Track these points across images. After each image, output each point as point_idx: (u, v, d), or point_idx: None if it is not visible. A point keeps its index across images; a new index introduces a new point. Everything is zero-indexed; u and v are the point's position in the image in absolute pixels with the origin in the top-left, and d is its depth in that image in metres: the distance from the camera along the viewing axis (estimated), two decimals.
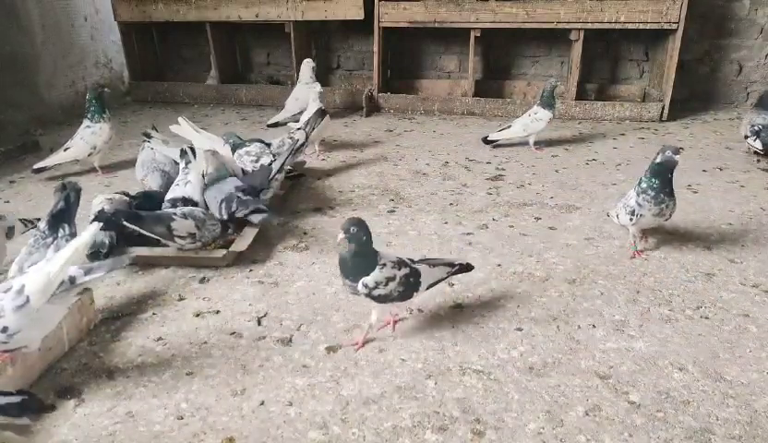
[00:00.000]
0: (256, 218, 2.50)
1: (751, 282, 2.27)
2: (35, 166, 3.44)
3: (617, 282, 2.27)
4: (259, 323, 2.03)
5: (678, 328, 1.98)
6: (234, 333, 1.98)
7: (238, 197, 2.54)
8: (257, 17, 5.14)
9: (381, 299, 1.85)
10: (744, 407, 1.62)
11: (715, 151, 3.92)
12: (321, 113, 3.75)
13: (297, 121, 3.91)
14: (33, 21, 4.61)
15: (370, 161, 3.78)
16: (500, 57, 5.44)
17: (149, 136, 3.26)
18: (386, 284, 1.83)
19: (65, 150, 3.49)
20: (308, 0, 4.98)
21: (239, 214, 2.50)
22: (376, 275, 1.82)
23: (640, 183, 2.39)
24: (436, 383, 1.72)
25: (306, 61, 4.69)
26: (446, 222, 2.83)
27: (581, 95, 5.00)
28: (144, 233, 2.30)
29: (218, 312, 2.10)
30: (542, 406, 1.63)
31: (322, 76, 5.77)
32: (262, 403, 1.65)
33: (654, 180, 2.35)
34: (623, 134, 4.39)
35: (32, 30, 4.60)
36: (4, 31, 4.33)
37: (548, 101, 3.88)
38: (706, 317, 2.04)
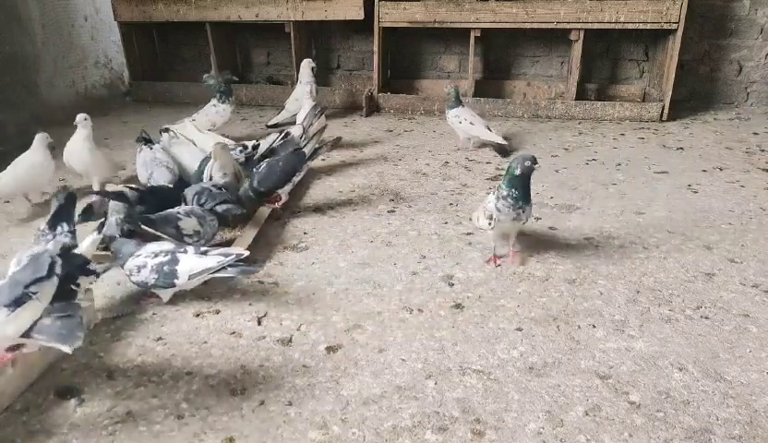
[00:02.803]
0: (221, 208, 2.58)
1: (751, 282, 2.27)
2: (163, 127, 3.53)
3: (617, 282, 2.27)
4: (259, 323, 2.03)
5: (678, 328, 1.98)
6: (234, 333, 1.98)
7: (209, 190, 2.62)
8: (257, 17, 5.14)
9: (143, 286, 2.07)
10: (744, 407, 1.62)
11: (715, 151, 3.92)
12: (320, 109, 3.74)
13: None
14: (33, 21, 4.60)
15: (370, 161, 3.78)
16: (500, 57, 5.44)
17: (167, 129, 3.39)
18: (138, 272, 2.04)
19: (191, 121, 3.85)
20: (308, 0, 4.98)
21: (207, 206, 2.57)
22: (129, 264, 2.07)
23: (499, 189, 2.28)
24: (436, 383, 1.72)
25: (305, 61, 4.69)
26: (446, 222, 2.83)
27: (581, 95, 4.99)
28: (159, 234, 2.33)
29: (218, 312, 2.10)
30: (542, 406, 1.63)
31: (322, 76, 5.79)
32: (262, 403, 1.65)
33: (513, 189, 2.23)
34: (623, 134, 4.39)
35: (32, 30, 4.60)
36: (4, 31, 4.33)
37: (454, 102, 3.94)
38: (706, 317, 2.04)
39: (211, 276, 2.02)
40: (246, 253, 2.05)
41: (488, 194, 2.41)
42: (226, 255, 2.03)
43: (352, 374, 1.77)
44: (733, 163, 3.66)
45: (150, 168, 3.03)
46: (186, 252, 2.06)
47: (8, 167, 3.04)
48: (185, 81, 5.75)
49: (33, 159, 3.12)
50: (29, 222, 2.94)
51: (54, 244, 1.98)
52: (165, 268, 2.01)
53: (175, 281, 2.01)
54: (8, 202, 3.21)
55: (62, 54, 4.95)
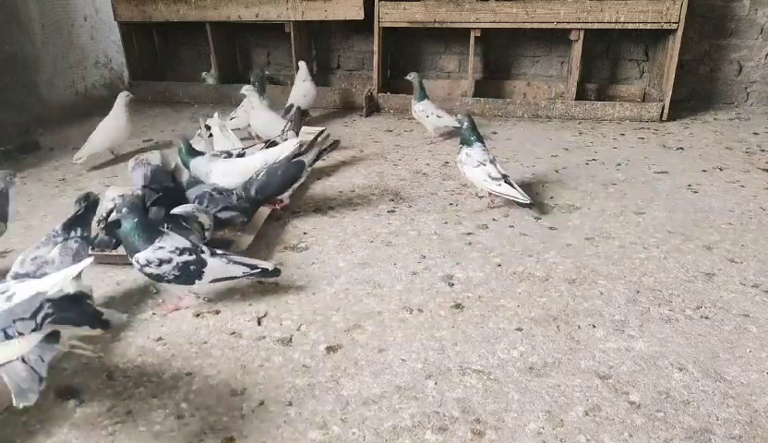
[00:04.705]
0: (223, 214, 2.56)
1: (751, 282, 2.27)
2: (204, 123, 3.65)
3: (617, 282, 2.27)
4: (259, 323, 2.03)
5: (678, 328, 1.98)
6: (234, 333, 1.98)
7: (210, 194, 2.61)
8: (257, 17, 5.13)
9: (155, 278, 2.00)
10: (744, 407, 1.62)
11: (715, 151, 3.92)
12: (303, 113, 3.71)
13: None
14: (33, 21, 4.60)
15: (370, 161, 3.78)
16: (500, 57, 5.45)
17: (208, 127, 3.50)
18: (159, 265, 1.97)
19: (230, 119, 4.12)
20: (308, 0, 4.98)
21: (210, 211, 2.55)
22: (147, 254, 1.96)
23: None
24: (436, 383, 1.72)
25: (301, 63, 4.68)
26: (446, 222, 2.83)
27: (581, 95, 4.99)
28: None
29: (218, 312, 2.10)
30: (542, 406, 1.63)
31: (322, 76, 5.79)
32: (262, 403, 1.65)
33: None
34: (623, 134, 4.39)
35: (32, 30, 4.60)
36: (4, 31, 4.33)
37: (419, 95, 4.22)
38: (706, 317, 2.04)
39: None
40: (272, 267, 2.15)
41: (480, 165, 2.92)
42: (252, 267, 2.09)
43: (352, 374, 1.77)
44: (733, 163, 3.66)
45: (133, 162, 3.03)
46: (205, 253, 2.05)
47: (97, 128, 3.72)
48: (184, 81, 5.76)
49: (118, 120, 3.80)
50: (103, 168, 3.71)
51: (62, 248, 1.98)
52: (192, 267, 1.99)
53: (197, 281, 2.02)
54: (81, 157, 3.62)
55: (62, 54, 4.95)
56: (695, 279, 2.30)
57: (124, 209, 1.96)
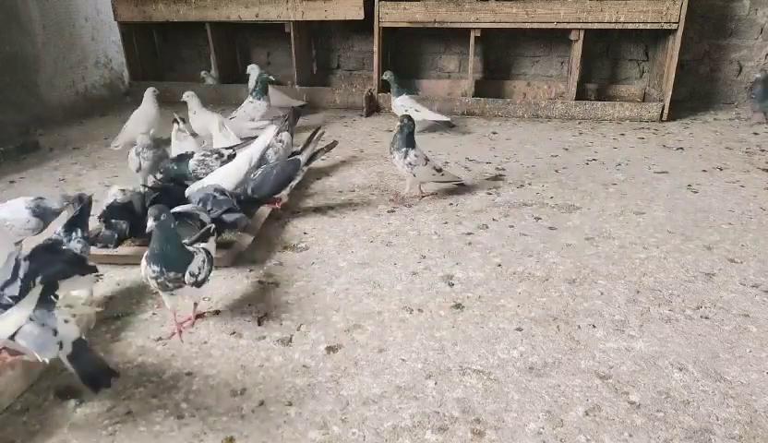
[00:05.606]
0: (229, 217, 2.53)
1: (751, 282, 2.26)
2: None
3: (617, 282, 2.27)
4: (259, 323, 2.03)
5: (678, 328, 1.98)
6: (234, 333, 1.98)
7: (214, 196, 2.59)
8: (257, 17, 5.14)
9: (197, 284, 1.93)
10: (744, 407, 1.62)
11: (715, 151, 3.92)
12: (297, 114, 3.69)
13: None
14: (34, 21, 4.61)
15: (370, 161, 3.78)
16: (500, 57, 5.45)
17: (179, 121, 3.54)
18: (200, 270, 1.93)
19: (230, 119, 4.15)
20: (308, 0, 4.98)
21: (213, 214, 2.52)
22: (197, 262, 1.90)
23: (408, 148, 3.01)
24: (436, 383, 1.72)
25: (250, 66, 4.75)
26: (446, 222, 2.83)
27: (581, 95, 5.00)
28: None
29: (218, 312, 2.10)
30: (542, 406, 1.63)
31: (322, 76, 5.79)
32: (262, 403, 1.65)
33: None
34: (623, 134, 4.39)
35: (33, 31, 4.60)
36: (4, 31, 4.33)
37: (397, 91, 4.39)
38: (706, 317, 2.04)
39: None
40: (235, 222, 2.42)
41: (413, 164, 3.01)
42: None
43: (352, 374, 1.77)
44: (733, 163, 3.66)
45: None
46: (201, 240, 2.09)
47: (130, 118, 3.93)
48: (184, 81, 5.76)
49: (151, 109, 4.00)
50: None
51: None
52: (209, 256, 2.00)
53: (212, 268, 2.02)
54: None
55: (62, 55, 4.95)
56: (695, 279, 2.30)
57: (163, 216, 1.81)
